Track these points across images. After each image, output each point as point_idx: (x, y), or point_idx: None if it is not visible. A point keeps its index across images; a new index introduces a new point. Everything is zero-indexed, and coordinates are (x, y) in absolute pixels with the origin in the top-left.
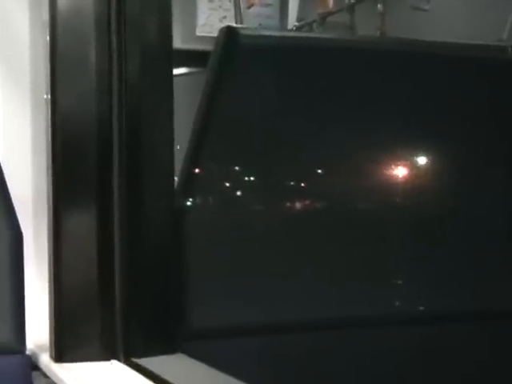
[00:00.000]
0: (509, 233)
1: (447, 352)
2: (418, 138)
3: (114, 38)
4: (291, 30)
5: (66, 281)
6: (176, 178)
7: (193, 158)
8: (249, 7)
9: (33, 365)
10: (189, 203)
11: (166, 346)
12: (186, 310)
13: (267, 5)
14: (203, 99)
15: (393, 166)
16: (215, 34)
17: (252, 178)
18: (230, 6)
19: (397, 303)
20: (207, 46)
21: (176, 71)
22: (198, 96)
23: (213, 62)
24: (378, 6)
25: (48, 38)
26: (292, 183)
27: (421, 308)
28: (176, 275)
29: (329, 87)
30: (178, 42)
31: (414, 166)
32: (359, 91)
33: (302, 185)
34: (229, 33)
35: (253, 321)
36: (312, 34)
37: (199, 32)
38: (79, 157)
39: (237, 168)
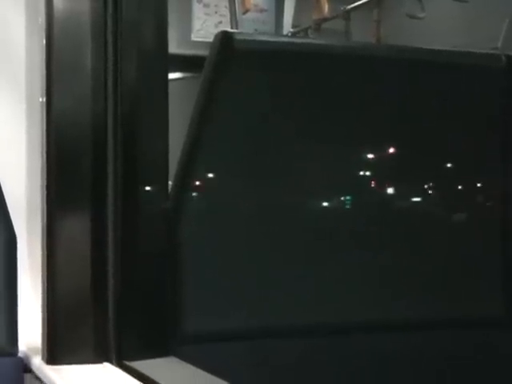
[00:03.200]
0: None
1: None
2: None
3: (110, 41)
4: (286, 36)
5: (59, 283)
6: (170, 183)
7: (187, 163)
8: (244, 13)
9: (25, 367)
10: (183, 208)
11: (159, 348)
12: (179, 313)
13: (263, 10)
14: (198, 104)
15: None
16: (210, 39)
17: (247, 184)
18: (226, 11)
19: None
20: (203, 51)
21: (171, 76)
22: (193, 100)
23: (208, 67)
24: (374, 13)
25: (44, 41)
26: (287, 190)
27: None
28: (169, 279)
29: (324, 92)
30: (173, 47)
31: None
32: (356, 96)
33: (298, 191)
34: (224, 38)
35: (245, 325)
36: (307, 40)
37: (195, 37)
38: (74, 160)
39: (231, 173)
